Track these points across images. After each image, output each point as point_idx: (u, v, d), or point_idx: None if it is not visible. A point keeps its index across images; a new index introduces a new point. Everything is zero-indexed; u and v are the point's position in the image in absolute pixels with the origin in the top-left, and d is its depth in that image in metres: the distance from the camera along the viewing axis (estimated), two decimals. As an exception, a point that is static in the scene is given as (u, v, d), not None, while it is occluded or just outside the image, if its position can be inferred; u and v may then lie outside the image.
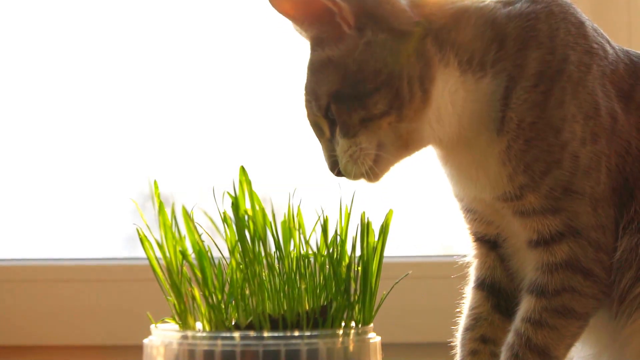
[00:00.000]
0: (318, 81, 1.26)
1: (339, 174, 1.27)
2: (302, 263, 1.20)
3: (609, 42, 1.30)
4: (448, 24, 1.26)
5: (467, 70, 1.25)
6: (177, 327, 1.20)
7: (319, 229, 1.22)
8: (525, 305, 1.26)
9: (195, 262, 1.19)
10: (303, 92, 1.29)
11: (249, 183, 1.20)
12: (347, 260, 1.21)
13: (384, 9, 1.25)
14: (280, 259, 1.19)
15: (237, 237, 1.18)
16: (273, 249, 1.20)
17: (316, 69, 1.27)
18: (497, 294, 1.35)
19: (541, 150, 1.23)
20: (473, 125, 1.26)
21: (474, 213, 1.34)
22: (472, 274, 1.38)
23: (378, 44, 1.24)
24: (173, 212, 1.19)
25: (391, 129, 1.24)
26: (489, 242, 1.35)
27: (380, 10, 1.25)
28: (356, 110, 1.23)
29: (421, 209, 1.31)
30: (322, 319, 1.18)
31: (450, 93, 1.25)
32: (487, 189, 1.27)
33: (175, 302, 1.20)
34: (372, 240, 1.22)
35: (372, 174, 1.25)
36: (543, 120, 1.23)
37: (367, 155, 1.24)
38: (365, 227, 1.22)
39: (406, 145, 1.26)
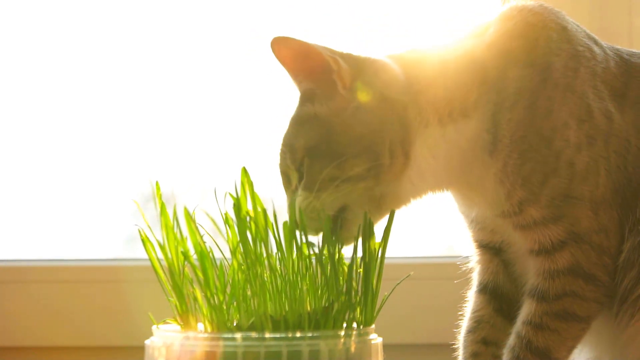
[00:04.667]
0: (297, 134, 1.27)
1: None
2: (303, 264, 1.20)
3: (596, 43, 1.29)
4: (426, 83, 1.26)
5: (448, 123, 1.25)
6: (178, 328, 1.20)
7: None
8: (527, 309, 1.26)
9: (197, 263, 1.18)
10: (281, 141, 1.29)
11: (250, 184, 1.20)
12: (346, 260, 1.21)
13: (379, 78, 1.26)
14: (282, 260, 1.19)
15: (238, 238, 1.18)
16: (275, 250, 1.20)
17: (299, 122, 1.28)
18: (499, 298, 1.35)
19: (536, 162, 1.23)
20: (461, 162, 1.26)
21: (477, 223, 1.34)
22: (474, 279, 1.38)
23: (367, 110, 1.24)
24: (175, 213, 1.19)
25: (365, 191, 1.24)
26: (493, 249, 1.35)
27: (376, 78, 1.25)
28: (329, 168, 1.23)
29: (424, 210, 1.32)
30: (323, 320, 1.18)
31: (430, 148, 1.26)
32: (487, 210, 1.28)
33: (177, 303, 1.20)
34: (374, 240, 1.22)
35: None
36: (533, 133, 1.23)
37: (323, 213, 1.23)
38: (367, 228, 1.22)
39: (379, 207, 1.25)
